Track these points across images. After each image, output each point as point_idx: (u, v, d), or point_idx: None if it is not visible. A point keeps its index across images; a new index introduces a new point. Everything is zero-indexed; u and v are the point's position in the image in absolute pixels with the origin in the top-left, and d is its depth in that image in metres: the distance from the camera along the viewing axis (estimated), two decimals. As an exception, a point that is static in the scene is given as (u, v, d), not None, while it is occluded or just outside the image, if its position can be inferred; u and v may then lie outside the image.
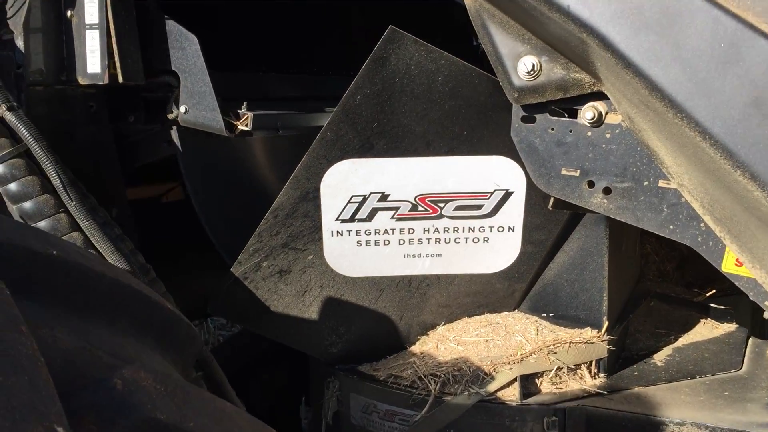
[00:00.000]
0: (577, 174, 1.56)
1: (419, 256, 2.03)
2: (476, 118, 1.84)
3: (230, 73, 2.26)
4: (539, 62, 1.46)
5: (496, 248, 2.02)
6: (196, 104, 1.93)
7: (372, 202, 1.93)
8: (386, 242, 2.00)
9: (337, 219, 1.95)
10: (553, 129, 1.56)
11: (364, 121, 1.81)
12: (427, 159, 1.89)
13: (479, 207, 1.96)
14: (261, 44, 2.66)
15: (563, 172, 1.57)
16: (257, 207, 2.24)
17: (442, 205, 1.95)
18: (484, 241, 2.01)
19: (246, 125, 1.93)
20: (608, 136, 1.52)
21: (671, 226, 1.49)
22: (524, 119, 1.58)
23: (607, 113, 1.51)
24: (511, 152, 1.85)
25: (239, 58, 2.49)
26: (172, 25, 1.92)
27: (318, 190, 1.90)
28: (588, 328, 2.05)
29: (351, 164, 1.87)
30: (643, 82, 1.17)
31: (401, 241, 2.00)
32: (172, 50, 1.93)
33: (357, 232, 1.97)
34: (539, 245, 2.04)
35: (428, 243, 2.01)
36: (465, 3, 1.53)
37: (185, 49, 1.91)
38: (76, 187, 1.69)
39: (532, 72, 1.46)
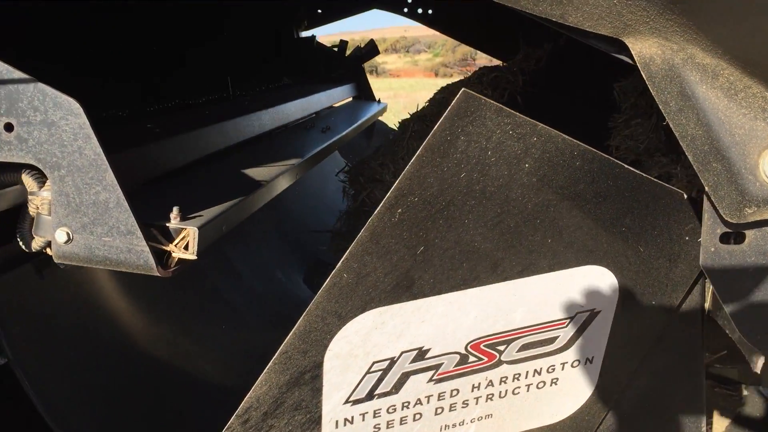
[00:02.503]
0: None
1: (462, 423, 1.31)
2: (568, 217, 1.15)
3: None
4: (805, 158, 0.82)
5: (566, 390, 1.37)
6: (88, 225, 1.00)
7: (403, 365, 1.17)
8: (417, 416, 1.24)
9: (347, 401, 1.15)
10: (776, 253, 0.93)
11: (403, 247, 1.04)
12: (490, 288, 1.16)
13: (552, 340, 1.28)
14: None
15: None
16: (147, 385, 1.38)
17: (502, 348, 1.24)
18: (552, 383, 1.34)
19: (186, 248, 1.04)
20: None
21: None
22: (727, 238, 0.94)
23: None
24: (606, 257, 1.21)
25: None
26: (20, 84, 0.95)
27: (320, 366, 1.09)
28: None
29: (377, 316, 1.09)
30: None
31: (439, 410, 1.26)
32: (22, 127, 0.97)
33: (375, 413, 1.20)
34: (620, 373, 1.42)
35: (476, 403, 1.29)
36: (635, 57, 0.84)
37: (56, 126, 0.96)
38: None
39: (795, 176, 0.81)
